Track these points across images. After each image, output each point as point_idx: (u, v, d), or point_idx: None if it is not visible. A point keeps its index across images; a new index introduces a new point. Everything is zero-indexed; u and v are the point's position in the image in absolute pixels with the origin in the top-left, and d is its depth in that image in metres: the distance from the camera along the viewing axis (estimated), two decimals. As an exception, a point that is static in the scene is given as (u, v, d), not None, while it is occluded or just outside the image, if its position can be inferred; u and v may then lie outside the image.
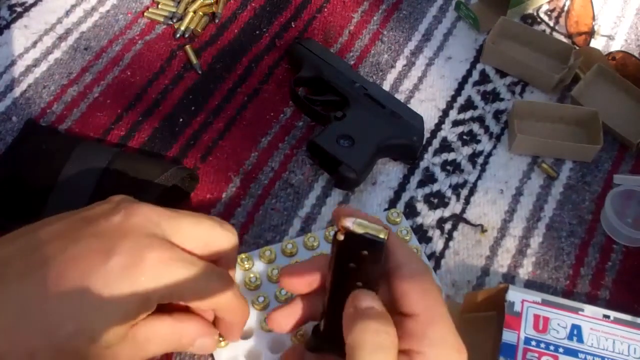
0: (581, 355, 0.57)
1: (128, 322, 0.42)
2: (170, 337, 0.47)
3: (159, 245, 0.44)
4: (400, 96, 0.79)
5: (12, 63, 0.78)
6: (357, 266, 0.39)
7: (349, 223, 0.38)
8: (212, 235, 0.48)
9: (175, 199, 0.68)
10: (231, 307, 0.49)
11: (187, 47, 0.80)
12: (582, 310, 0.59)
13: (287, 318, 0.44)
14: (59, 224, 0.45)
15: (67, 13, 0.84)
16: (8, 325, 0.40)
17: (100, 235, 0.43)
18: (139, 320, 0.44)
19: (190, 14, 0.83)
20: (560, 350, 0.57)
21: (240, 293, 0.50)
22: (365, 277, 0.39)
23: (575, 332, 0.58)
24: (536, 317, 0.58)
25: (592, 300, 0.65)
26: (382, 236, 0.38)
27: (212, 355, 0.58)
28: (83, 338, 0.40)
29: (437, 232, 0.68)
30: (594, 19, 0.84)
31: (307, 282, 0.43)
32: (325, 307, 0.41)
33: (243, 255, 0.63)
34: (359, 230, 0.38)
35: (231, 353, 0.58)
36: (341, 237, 0.38)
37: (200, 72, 0.79)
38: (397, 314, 0.40)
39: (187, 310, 0.49)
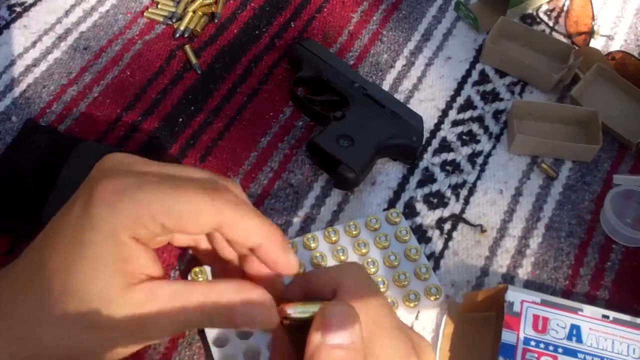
0: (580, 356, 0.57)
1: (111, 267, 0.37)
2: (179, 301, 0.38)
3: (110, 175, 0.38)
4: (400, 96, 0.79)
5: (12, 63, 0.78)
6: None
7: (290, 311, 0.37)
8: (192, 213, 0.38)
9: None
10: (237, 220, 0.38)
11: (187, 47, 0.80)
12: (582, 310, 0.59)
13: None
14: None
15: (67, 13, 0.84)
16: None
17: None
18: (133, 270, 0.38)
19: (190, 14, 0.83)
20: (560, 350, 0.57)
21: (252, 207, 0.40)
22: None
23: (575, 332, 0.58)
24: (535, 318, 0.58)
25: (591, 300, 0.65)
26: (315, 310, 0.36)
27: (212, 355, 0.58)
28: (71, 299, 0.37)
29: (437, 232, 0.68)
30: (593, 19, 0.84)
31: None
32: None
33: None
34: (298, 316, 0.37)
35: (230, 353, 0.58)
36: (287, 322, 0.37)
37: (199, 72, 0.79)
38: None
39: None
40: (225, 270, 0.43)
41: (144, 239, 0.38)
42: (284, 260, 0.40)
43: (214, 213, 0.38)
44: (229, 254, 0.42)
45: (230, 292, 0.38)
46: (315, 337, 0.34)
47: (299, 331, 0.37)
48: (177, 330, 0.39)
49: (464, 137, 0.76)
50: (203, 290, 0.38)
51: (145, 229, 0.37)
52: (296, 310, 0.37)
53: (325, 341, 0.34)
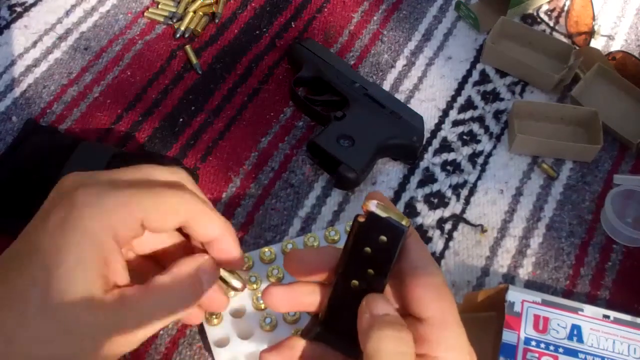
0: (581, 355, 0.57)
1: (94, 270, 0.38)
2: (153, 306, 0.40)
3: (81, 185, 0.40)
4: (400, 96, 0.79)
5: (12, 63, 0.78)
6: (373, 253, 0.38)
7: (373, 206, 0.38)
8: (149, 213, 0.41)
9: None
10: (202, 215, 0.42)
11: (187, 47, 0.80)
12: (582, 310, 0.59)
13: (284, 297, 0.42)
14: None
15: (67, 13, 0.84)
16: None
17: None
18: (111, 275, 0.39)
19: (190, 14, 0.83)
20: (560, 350, 0.57)
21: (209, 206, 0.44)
22: (378, 266, 0.39)
23: (575, 332, 0.58)
24: (536, 317, 0.58)
25: (592, 300, 0.65)
26: (404, 223, 0.38)
27: (212, 356, 0.58)
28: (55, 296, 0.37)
29: (437, 232, 0.68)
30: (594, 19, 0.84)
31: (313, 269, 0.42)
32: (331, 293, 0.40)
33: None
34: (382, 214, 0.38)
35: (231, 353, 0.58)
36: (362, 219, 0.38)
37: (200, 72, 0.79)
38: (409, 315, 0.40)
39: None
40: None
41: (122, 240, 0.40)
42: (237, 252, 0.44)
43: (184, 209, 0.41)
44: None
45: (185, 266, 0.42)
46: (365, 313, 0.38)
47: (353, 265, 0.39)
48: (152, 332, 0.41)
49: (465, 137, 0.76)
50: (164, 284, 0.41)
51: (126, 228, 0.39)
52: (379, 207, 0.38)
53: (376, 312, 0.38)
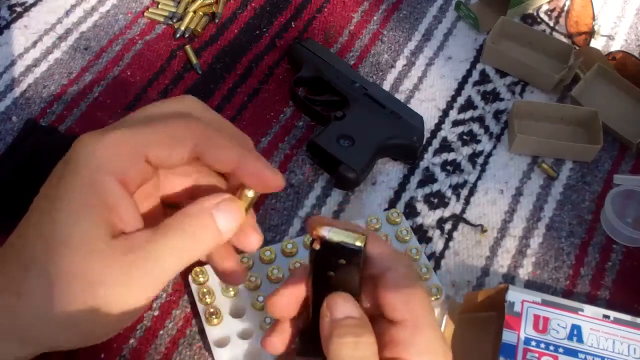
0: (581, 355, 0.57)
1: (95, 215, 0.36)
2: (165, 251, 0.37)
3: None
4: (400, 96, 0.79)
5: (12, 63, 0.78)
6: (337, 275, 0.38)
7: (325, 232, 0.37)
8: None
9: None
10: (212, 135, 0.39)
11: (187, 47, 0.80)
12: (582, 310, 0.59)
13: (280, 340, 0.41)
14: None
15: (67, 13, 0.84)
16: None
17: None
18: (118, 221, 0.37)
19: (190, 14, 0.83)
20: (560, 350, 0.57)
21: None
22: (345, 285, 0.38)
23: (575, 332, 0.58)
24: (536, 317, 0.58)
25: (592, 300, 0.65)
26: (358, 244, 0.37)
27: (212, 356, 0.58)
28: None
29: (437, 232, 0.68)
30: (594, 19, 0.84)
31: (295, 301, 0.40)
32: (309, 313, 0.40)
33: (242, 256, 0.63)
34: (335, 239, 0.37)
35: (231, 353, 0.58)
36: (317, 247, 0.37)
37: (200, 72, 0.79)
38: (383, 319, 0.39)
39: None
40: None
41: (130, 181, 0.37)
42: (265, 172, 0.40)
43: (189, 136, 0.38)
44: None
45: (206, 208, 0.39)
46: (326, 317, 0.37)
47: (320, 287, 0.38)
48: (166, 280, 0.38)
49: (465, 137, 0.76)
50: (179, 239, 0.38)
51: (131, 165, 0.37)
52: (331, 233, 0.37)
53: (336, 316, 0.37)
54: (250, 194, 0.40)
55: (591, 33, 0.84)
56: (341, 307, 0.37)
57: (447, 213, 0.70)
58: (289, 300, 0.40)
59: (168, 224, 0.38)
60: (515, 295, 0.59)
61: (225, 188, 0.43)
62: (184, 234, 0.38)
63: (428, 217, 0.69)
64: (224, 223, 0.39)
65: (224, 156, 0.39)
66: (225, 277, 0.44)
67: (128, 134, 0.37)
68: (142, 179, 0.39)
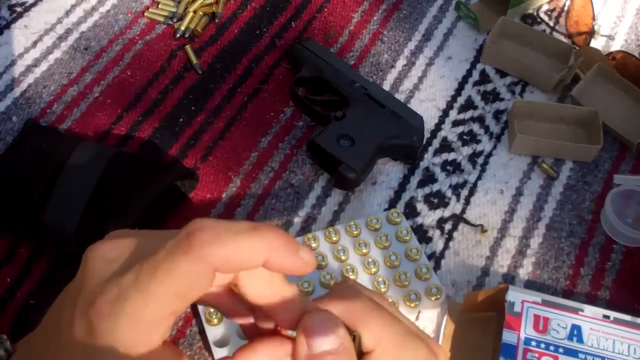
0: (581, 356, 0.57)
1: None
2: None
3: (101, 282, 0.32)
4: (400, 96, 0.79)
5: (12, 63, 0.78)
6: None
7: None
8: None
9: (175, 199, 0.68)
10: (232, 247, 0.32)
11: (187, 47, 0.80)
12: (582, 310, 0.59)
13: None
14: None
15: (67, 13, 0.84)
16: None
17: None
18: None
19: (190, 14, 0.83)
20: (560, 350, 0.57)
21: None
22: None
23: (575, 333, 0.58)
24: (536, 318, 0.58)
25: (592, 300, 0.65)
26: None
27: (212, 356, 0.58)
28: None
29: (437, 232, 0.68)
30: (594, 19, 0.84)
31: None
32: None
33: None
34: None
35: (230, 353, 0.58)
36: None
37: (200, 72, 0.79)
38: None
39: None
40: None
41: (163, 336, 0.33)
42: (295, 260, 0.34)
43: (259, 243, 0.32)
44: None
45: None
46: (301, 350, 0.33)
47: None
48: None
49: (465, 137, 0.76)
50: None
51: (159, 329, 0.32)
52: None
53: (313, 350, 0.32)
54: None
55: (591, 33, 0.84)
56: (320, 339, 0.33)
57: (447, 213, 0.70)
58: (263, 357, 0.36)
59: None
60: (515, 295, 0.59)
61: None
62: None
63: (428, 217, 0.69)
64: None
65: (250, 257, 0.33)
66: None
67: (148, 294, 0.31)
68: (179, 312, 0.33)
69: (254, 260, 0.32)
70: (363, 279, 0.63)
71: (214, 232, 0.31)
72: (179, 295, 0.31)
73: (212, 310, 0.59)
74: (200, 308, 0.60)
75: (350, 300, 0.36)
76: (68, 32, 0.82)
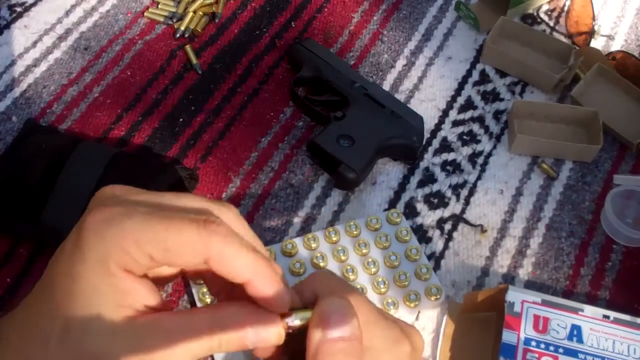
0: (581, 356, 0.57)
1: (109, 300, 0.36)
2: (186, 332, 0.37)
3: (101, 204, 0.37)
4: (400, 96, 0.79)
5: (12, 63, 0.78)
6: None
7: (291, 322, 0.37)
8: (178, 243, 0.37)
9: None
10: (224, 255, 0.37)
11: (187, 47, 0.80)
12: (582, 310, 0.59)
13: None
14: None
15: (67, 13, 0.84)
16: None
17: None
18: (132, 303, 0.37)
19: (190, 14, 0.83)
20: (560, 350, 0.57)
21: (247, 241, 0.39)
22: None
23: (575, 333, 0.58)
24: (536, 318, 0.58)
25: (592, 300, 0.65)
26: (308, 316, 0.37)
27: (212, 356, 0.58)
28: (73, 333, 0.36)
29: (437, 232, 0.68)
30: (594, 19, 0.84)
31: None
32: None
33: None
34: (299, 324, 0.37)
35: (231, 353, 0.58)
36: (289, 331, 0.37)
37: (200, 72, 0.79)
38: None
39: None
40: (223, 288, 0.42)
41: (134, 271, 0.37)
42: (273, 297, 0.38)
43: (201, 246, 0.37)
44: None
45: (238, 316, 0.37)
46: (315, 335, 0.35)
47: (291, 339, 0.37)
48: None
49: (465, 137, 0.76)
50: (210, 318, 0.37)
51: (133, 259, 0.36)
52: (295, 318, 0.37)
53: (327, 336, 0.35)
54: (296, 322, 0.38)
55: (591, 33, 0.84)
56: (335, 325, 0.35)
57: (447, 213, 0.70)
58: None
59: (200, 316, 0.37)
60: (515, 295, 0.59)
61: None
62: (211, 340, 0.37)
63: (428, 217, 0.69)
64: (255, 340, 0.37)
65: (236, 276, 0.37)
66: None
67: (136, 230, 0.36)
68: (149, 268, 0.38)
69: (238, 275, 0.37)
70: (363, 279, 0.63)
71: (230, 232, 0.37)
72: (167, 249, 0.36)
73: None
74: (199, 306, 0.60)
75: (324, 279, 0.39)
76: (68, 32, 0.82)
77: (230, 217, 0.40)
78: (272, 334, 0.37)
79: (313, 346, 0.35)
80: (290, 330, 0.37)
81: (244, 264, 0.37)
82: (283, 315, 0.37)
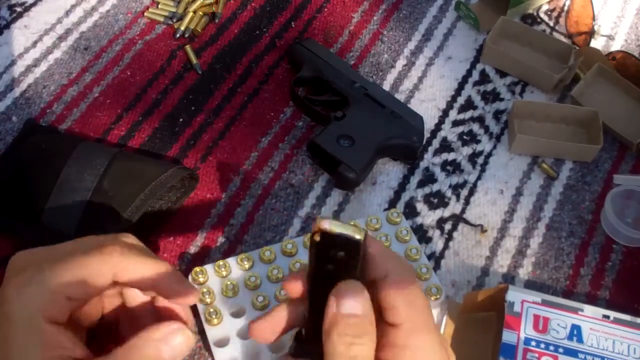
0: (581, 356, 0.57)
1: (38, 357, 0.42)
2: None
3: (14, 275, 0.44)
4: (400, 96, 0.79)
5: (12, 63, 0.78)
6: (335, 269, 0.39)
7: (326, 224, 0.38)
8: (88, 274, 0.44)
9: (174, 199, 0.68)
10: (126, 263, 0.44)
11: (187, 47, 0.80)
12: (582, 310, 0.59)
13: (270, 327, 0.42)
14: None
15: (67, 13, 0.84)
16: None
17: None
18: (58, 355, 0.42)
19: (190, 14, 0.83)
20: (560, 350, 0.57)
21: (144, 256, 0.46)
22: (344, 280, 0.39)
23: (575, 332, 0.58)
24: (536, 317, 0.58)
25: (592, 300, 0.65)
26: (357, 237, 0.38)
27: (212, 356, 0.58)
28: None
29: (437, 232, 0.68)
30: (594, 19, 0.84)
31: (277, 332, 0.43)
32: (306, 311, 0.40)
33: (243, 256, 0.63)
34: (335, 231, 0.38)
35: (231, 353, 0.58)
36: (317, 238, 0.38)
37: (200, 72, 0.79)
38: (383, 322, 0.39)
39: None
40: (134, 322, 0.49)
41: (59, 319, 0.42)
42: (181, 290, 0.45)
43: (105, 267, 0.44)
44: (136, 298, 0.48)
45: (151, 341, 0.43)
46: (331, 310, 0.38)
47: (319, 283, 0.39)
48: None
49: (465, 137, 0.76)
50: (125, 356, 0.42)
51: (54, 307, 0.42)
52: (332, 224, 0.38)
53: (341, 310, 0.38)
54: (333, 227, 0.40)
55: (591, 33, 0.84)
56: (349, 302, 0.38)
57: (447, 213, 0.70)
58: (272, 327, 0.43)
59: (115, 355, 0.42)
60: (515, 295, 0.59)
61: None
62: None
63: (428, 217, 0.69)
64: (170, 354, 0.43)
65: (138, 284, 0.45)
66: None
67: (49, 280, 0.42)
68: (70, 311, 0.44)
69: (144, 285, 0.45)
70: (363, 279, 0.63)
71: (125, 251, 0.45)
72: (79, 284, 0.43)
73: (212, 310, 0.59)
74: (200, 308, 0.60)
75: (399, 268, 0.41)
76: (68, 32, 0.82)
77: (128, 240, 0.47)
78: (178, 339, 0.43)
79: (329, 318, 0.38)
80: (318, 239, 0.38)
81: (146, 268, 0.44)
82: (322, 219, 0.39)
